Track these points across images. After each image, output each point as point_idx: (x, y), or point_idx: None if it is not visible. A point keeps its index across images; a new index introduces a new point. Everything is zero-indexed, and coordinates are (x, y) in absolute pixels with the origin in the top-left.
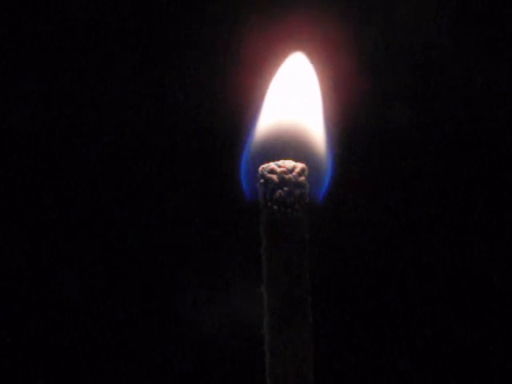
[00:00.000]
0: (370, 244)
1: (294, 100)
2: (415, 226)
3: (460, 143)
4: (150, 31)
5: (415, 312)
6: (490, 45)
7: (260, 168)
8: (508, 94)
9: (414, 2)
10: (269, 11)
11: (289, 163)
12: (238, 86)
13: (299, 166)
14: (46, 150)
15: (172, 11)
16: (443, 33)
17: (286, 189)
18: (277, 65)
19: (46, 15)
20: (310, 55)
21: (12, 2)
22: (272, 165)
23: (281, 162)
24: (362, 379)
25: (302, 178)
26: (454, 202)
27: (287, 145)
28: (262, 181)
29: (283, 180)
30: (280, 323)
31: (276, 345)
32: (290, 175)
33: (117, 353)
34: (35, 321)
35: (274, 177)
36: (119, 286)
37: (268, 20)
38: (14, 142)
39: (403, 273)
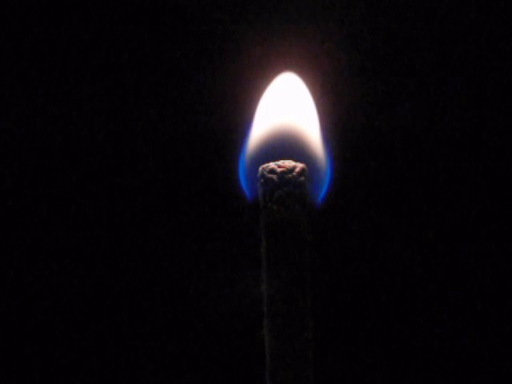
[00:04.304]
0: (369, 244)
1: (292, 102)
2: (415, 227)
3: (460, 143)
4: (151, 39)
5: (415, 311)
6: (490, 44)
7: (260, 168)
8: (508, 93)
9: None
10: (268, 22)
11: (289, 163)
12: (237, 87)
13: (299, 165)
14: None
15: (175, 23)
16: (442, 32)
17: (285, 189)
18: (276, 68)
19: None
20: (308, 58)
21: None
22: (272, 165)
23: (281, 162)
24: (362, 379)
25: (302, 178)
26: (454, 203)
27: (287, 146)
28: (262, 181)
29: (283, 180)
30: (280, 323)
31: (276, 345)
32: (290, 175)
33: (117, 351)
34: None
35: (274, 177)
36: (120, 287)
37: (267, 26)
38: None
39: (403, 273)
